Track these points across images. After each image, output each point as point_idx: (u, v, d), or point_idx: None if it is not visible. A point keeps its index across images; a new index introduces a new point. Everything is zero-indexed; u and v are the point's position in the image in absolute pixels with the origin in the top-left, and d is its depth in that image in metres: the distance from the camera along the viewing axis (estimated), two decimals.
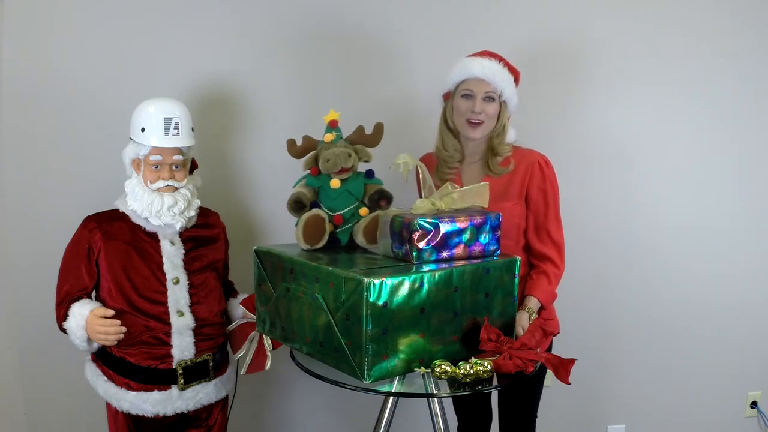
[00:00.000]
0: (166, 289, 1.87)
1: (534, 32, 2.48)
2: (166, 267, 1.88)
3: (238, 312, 2.04)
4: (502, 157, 1.95)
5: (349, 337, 1.54)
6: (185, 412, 1.90)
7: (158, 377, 1.85)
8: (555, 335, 2.03)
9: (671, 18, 2.58)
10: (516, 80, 1.96)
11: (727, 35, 2.64)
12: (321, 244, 1.82)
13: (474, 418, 2.25)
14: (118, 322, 1.81)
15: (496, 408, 2.19)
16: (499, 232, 1.76)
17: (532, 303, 1.89)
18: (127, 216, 1.89)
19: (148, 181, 1.85)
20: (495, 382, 1.63)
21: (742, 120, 2.70)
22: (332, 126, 1.89)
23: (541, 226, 1.95)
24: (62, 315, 1.85)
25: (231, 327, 2.04)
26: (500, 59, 1.93)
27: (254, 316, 1.96)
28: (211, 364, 1.93)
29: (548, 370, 1.69)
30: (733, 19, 2.63)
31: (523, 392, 2.04)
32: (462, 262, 1.67)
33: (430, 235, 1.65)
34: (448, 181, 1.94)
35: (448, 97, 1.99)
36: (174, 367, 1.86)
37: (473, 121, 1.89)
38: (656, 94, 2.61)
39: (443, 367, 1.56)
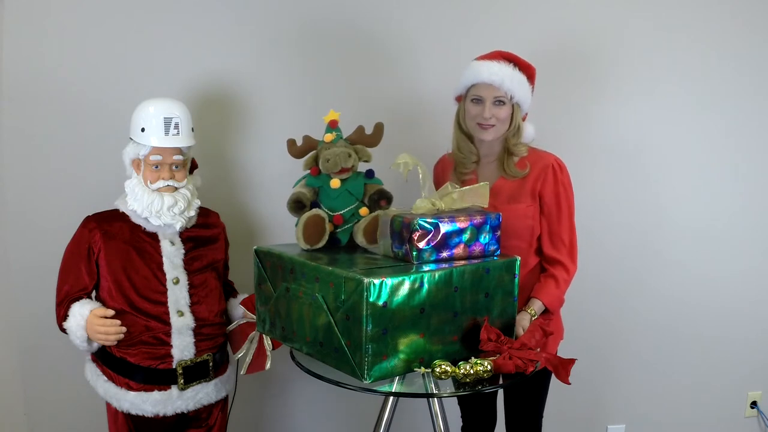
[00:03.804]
0: (166, 289, 1.87)
1: (539, 31, 2.47)
2: (166, 267, 1.88)
3: (238, 312, 2.04)
4: (517, 157, 1.93)
5: (349, 337, 1.54)
6: (185, 412, 1.90)
7: (158, 377, 1.85)
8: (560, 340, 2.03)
9: (681, 20, 2.58)
10: (531, 77, 1.92)
11: (738, 37, 2.64)
12: (321, 244, 1.82)
13: (478, 419, 2.25)
14: (118, 322, 1.81)
15: (500, 410, 2.19)
16: (499, 232, 1.76)
17: (536, 305, 1.89)
18: (127, 216, 1.89)
19: (148, 181, 1.85)
20: (501, 381, 1.63)
21: (751, 122, 2.70)
22: (332, 126, 1.89)
23: (554, 230, 1.93)
24: (62, 315, 1.85)
25: (231, 327, 2.04)
26: (511, 59, 1.90)
27: (254, 316, 1.96)
28: (211, 364, 1.93)
29: None
30: (743, 21, 2.63)
31: (530, 392, 2.04)
32: (462, 262, 1.67)
33: (430, 235, 1.65)
34: (466, 181, 1.94)
35: (460, 99, 1.98)
36: (174, 367, 1.86)
37: (483, 125, 1.89)
38: (662, 94, 2.61)
39: (443, 367, 1.56)
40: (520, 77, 1.89)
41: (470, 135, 1.96)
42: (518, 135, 1.93)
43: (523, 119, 1.96)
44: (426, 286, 1.57)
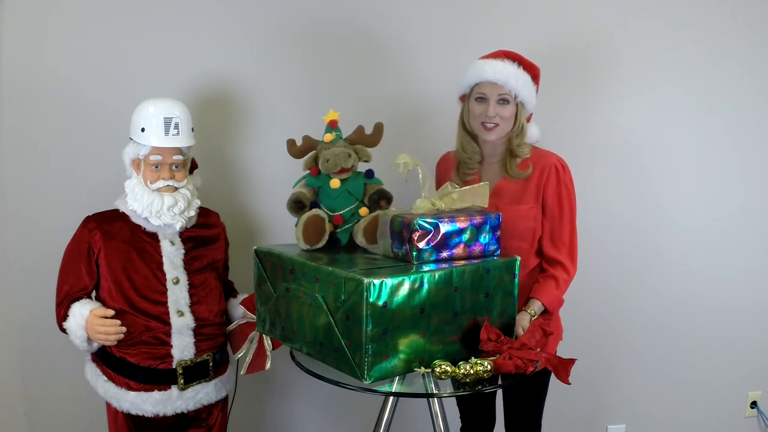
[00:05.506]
0: (166, 289, 1.87)
1: (539, 31, 2.47)
2: (166, 267, 1.88)
3: (238, 312, 2.04)
4: (520, 158, 1.93)
5: (349, 337, 1.54)
6: (185, 412, 1.90)
7: (158, 377, 1.85)
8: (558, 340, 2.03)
9: (681, 20, 2.58)
10: (535, 77, 1.92)
11: (738, 37, 2.64)
12: (321, 244, 1.82)
13: (477, 419, 2.25)
14: (118, 322, 1.81)
15: (500, 410, 2.18)
16: (498, 232, 1.76)
17: (536, 306, 1.89)
18: (127, 216, 1.89)
19: (148, 181, 1.85)
20: (500, 381, 1.63)
21: (751, 122, 2.70)
22: (332, 126, 1.89)
23: (555, 230, 1.93)
24: (62, 315, 1.85)
25: (231, 327, 2.04)
26: (515, 58, 1.90)
27: (254, 316, 1.96)
28: (211, 364, 1.93)
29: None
30: (745, 21, 2.64)
31: (529, 392, 2.04)
32: (462, 262, 1.67)
33: (430, 235, 1.65)
34: (469, 182, 1.94)
35: (464, 99, 1.97)
36: (174, 367, 1.86)
37: (488, 124, 1.89)
38: (662, 94, 2.61)
39: (443, 367, 1.56)
40: (524, 77, 1.89)
41: (474, 135, 1.96)
42: (522, 135, 1.92)
43: (528, 120, 1.96)
44: (426, 286, 1.57)
